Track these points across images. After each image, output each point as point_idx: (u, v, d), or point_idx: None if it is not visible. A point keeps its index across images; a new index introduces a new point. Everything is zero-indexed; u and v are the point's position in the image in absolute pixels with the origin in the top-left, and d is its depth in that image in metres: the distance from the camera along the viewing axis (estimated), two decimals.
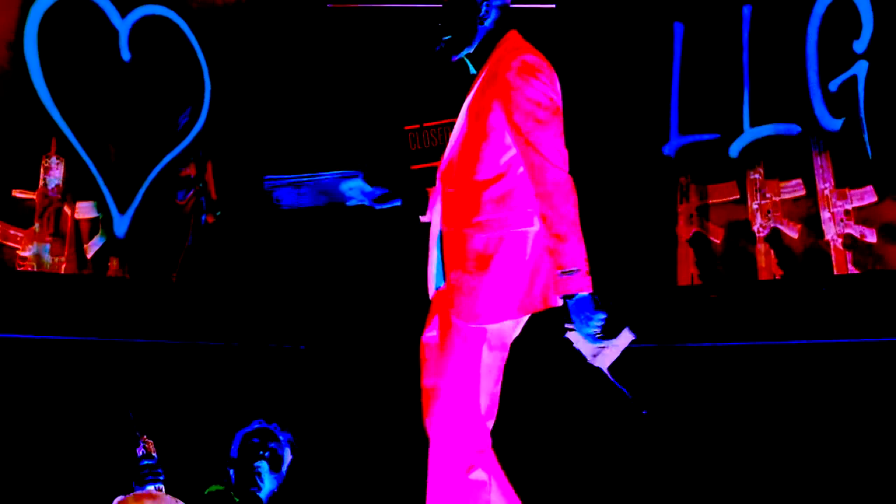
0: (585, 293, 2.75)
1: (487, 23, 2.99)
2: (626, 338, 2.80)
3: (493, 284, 2.87)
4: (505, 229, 2.90)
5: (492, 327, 2.88)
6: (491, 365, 2.91)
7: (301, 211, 5.32)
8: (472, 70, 3.04)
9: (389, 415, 5.09)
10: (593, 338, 2.74)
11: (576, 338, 2.75)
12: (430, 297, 3.00)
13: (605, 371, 2.82)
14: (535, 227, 2.88)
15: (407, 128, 5.54)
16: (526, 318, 2.94)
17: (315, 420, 5.21)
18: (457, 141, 2.97)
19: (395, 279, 5.26)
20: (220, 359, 5.16)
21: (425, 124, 5.50)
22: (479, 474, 2.84)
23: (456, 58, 3.06)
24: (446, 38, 3.02)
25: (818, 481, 4.49)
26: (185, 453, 4.76)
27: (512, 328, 2.94)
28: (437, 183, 3.05)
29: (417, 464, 3.02)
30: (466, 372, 2.86)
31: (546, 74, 2.91)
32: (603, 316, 2.74)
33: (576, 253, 2.78)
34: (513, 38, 2.99)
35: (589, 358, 2.80)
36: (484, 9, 2.98)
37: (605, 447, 5.10)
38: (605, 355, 2.80)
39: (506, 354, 2.96)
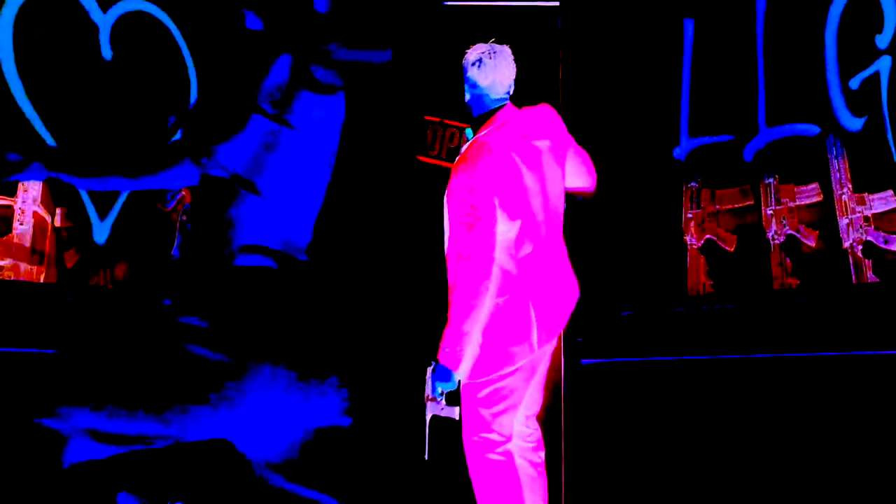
0: (447, 367, 3.59)
1: (468, 107, 3.83)
2: (451, 410, 3.71)
3: None
4: None
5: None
6: None
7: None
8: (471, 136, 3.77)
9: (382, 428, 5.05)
10: (434, 390, 3.65)
11: (427, 381, 3.71)
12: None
13: (427, 417, 3.71)
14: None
15: (427, 118, 5.60)
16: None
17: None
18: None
19: (391, 293, 5.37)
20: (208, 371, 5.02)
21: (446, 120, 5.52)
22: None
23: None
24: None
25: (837, 497, 4.40)
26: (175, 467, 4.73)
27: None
28: None
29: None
30: None
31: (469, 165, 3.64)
32: (449, 387, 3.63)
33: (452, 336, 3.56)
34: (487, 126, 3.74)
35: (426, 396, 3.71)
36: (466, 94, 3.81)
37: (614, 458, 5.09)
38: (432, 406, 3.71)
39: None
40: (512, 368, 3.71)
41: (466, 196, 3.59)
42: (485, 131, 3.72)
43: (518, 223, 3.63)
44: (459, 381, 3.67)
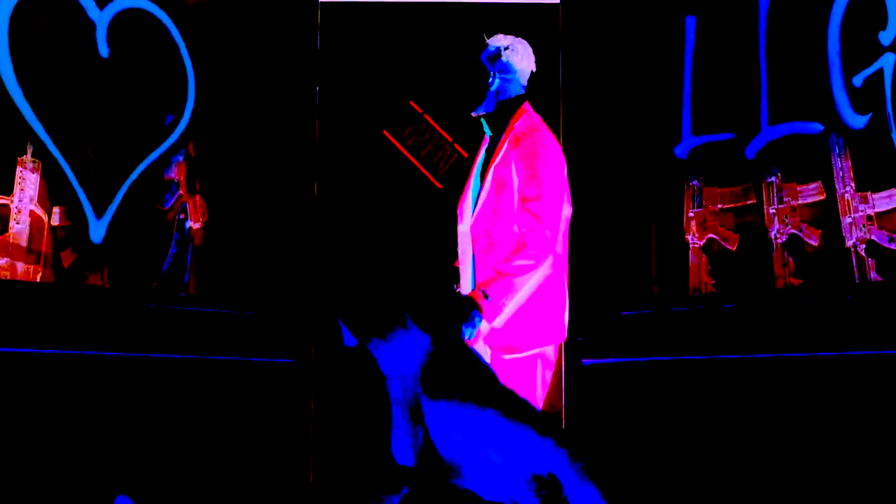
0: (481, 315, 3.50)
1: (497, 93, 3.69)
2: None
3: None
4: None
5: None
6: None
7: (289, 219, 5.33)
8: (488, 132, 3.71)
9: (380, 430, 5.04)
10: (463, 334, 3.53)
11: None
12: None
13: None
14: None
15: (412, 103, 5.61)
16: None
17: (299, 436, 5.15)
18: (487, 198, 3.64)
19: (388, 294, 5.28)
20: (202, 373, 5.06)
21: (426, 115, 5.52)
22: None
23: (474, 114, 3.72)
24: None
25: (841, 498, 4.36)
26: (166, 470, 4.82)
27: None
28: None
29: None
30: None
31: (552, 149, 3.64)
32: (470, 335, 3.52)
33: (502, 287, 3.52)
34: (526, 110, 3.70)
35: None
36: (494, 80, 3.68)
37: (615, 459, 5.00)
38: None
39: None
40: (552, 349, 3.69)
41: (560, 170, 3.61)
42: (531, 113, 3.70)
43: (570, 206, 3.67)
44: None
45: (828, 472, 4.40)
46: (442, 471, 2.93)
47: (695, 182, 5.08)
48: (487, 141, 3.76)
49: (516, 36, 3.77)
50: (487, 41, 3.72)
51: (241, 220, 5.34)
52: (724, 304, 4.90)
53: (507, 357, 3.62)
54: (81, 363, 4.65)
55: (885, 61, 4.39)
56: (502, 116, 3.70)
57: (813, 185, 4.65)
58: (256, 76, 5.43)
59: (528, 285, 3.56)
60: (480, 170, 3.74)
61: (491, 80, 3.70)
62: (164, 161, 5.10)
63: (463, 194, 3.80)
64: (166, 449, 4.82)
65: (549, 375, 3.69)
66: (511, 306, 3.55)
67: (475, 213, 3.67)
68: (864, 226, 4.46)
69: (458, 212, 3.82)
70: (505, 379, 3.48)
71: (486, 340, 3.61)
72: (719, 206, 4.99)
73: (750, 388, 4.71)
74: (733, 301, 4.87)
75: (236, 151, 5.35)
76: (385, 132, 5.63)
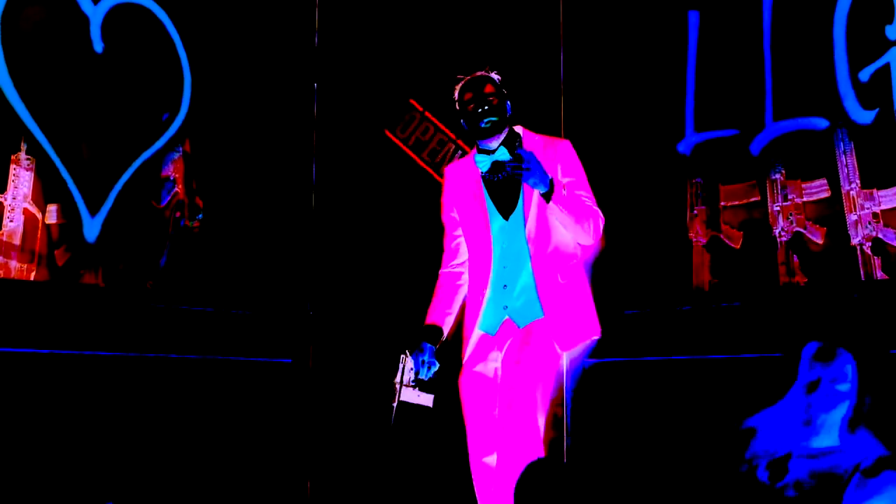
0: (549, 189, 3.96)
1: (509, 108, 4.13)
2: (427, 398, 3.83)
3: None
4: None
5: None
6: None
7: (287, 217, 5.33)
8: (505, 155, 4.05)
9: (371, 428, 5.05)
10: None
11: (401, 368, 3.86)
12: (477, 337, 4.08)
13: (395, 402, 3.80)
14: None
15: (412, 101, 5.63)
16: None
17: (295, 436, 5.17)
18: (538, 213, 4.06)
19: (384, 292, 5.44)
20: (198, 373, 5.06)
21: (427, 113, 5.50)
22: None
23: (497, 141, 4.07)
24: (493, 119, 4.03)
25: None
26: (162, 470, 4.82)
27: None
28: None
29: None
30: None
31: None
32: (539, 186, 3.95)
33: (571, 202, 4.08)
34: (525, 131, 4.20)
35: (402, 382, 3.83)
36: (508, 108, 4.13)
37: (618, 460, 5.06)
38: (407, 393, 3.81)
39: None
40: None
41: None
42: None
43: None
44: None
45: None
46: None
47: (698, 179, 5.04)
48: (477, 169, 4.11)
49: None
50: (490, 74, 4.10)
51: (239, 218, 5.33)
52: (727, 302, 4.87)
53: (564, 352, 4.08)
54: (77, 363, 4.64)
55: (892, 56, 4.37)
56: (511, 138, 4.10)
57: (818, 182, 4.62)
58: (253, 72, 5.43)
59: (579, 222, 4.09)
60: (497, 190, 4.10)
61: (507, 105, 4.11)
62: (160, 158, 5.08)
63: (449, 229, 4.22)
64: (162, 449, 4.81)
65: None
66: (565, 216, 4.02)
67: (529, 219, 4.04)
68: (869, 223, 4.43)
69: (448, 246, 4.22)
70: (552, 373, 4.00)
71: (554, 333, 4.02)
72: (722, 203, 4.95)
73: (753, 388, 4.67)
74: (737, 300, 4.84)
75: (233, 148, 5.33)
76: (387, 132, 5.61)
